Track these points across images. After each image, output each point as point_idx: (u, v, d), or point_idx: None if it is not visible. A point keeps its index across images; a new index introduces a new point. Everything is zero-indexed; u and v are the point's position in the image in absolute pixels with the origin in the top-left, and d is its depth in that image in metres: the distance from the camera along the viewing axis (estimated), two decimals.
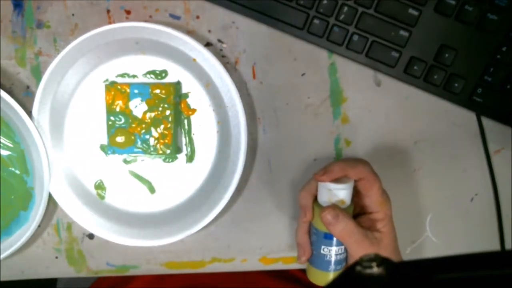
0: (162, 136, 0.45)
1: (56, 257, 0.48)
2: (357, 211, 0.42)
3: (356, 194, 0.41)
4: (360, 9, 0.42)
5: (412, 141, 0.46)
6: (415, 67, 0.43)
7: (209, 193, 0.45)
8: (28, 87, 0.46)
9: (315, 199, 0.42)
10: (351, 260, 0.41)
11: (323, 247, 0.41)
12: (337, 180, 0.40)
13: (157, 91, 0.44)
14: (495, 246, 0.46)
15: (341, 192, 0.40)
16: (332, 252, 0.41)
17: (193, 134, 0.46)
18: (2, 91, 0.43)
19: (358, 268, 0.19)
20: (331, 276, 0.41)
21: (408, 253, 0.47)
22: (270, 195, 0.47)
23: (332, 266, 0.41)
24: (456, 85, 0.43)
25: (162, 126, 0.45)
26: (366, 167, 0.40)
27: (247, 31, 0.45)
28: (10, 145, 0.47)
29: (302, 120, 0.46)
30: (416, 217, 0.47)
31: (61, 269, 0.49)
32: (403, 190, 0.46)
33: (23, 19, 0.45)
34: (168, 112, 0.45)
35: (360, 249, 0.39)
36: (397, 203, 0.47)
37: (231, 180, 0.44)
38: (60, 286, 0.72)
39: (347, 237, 0.39)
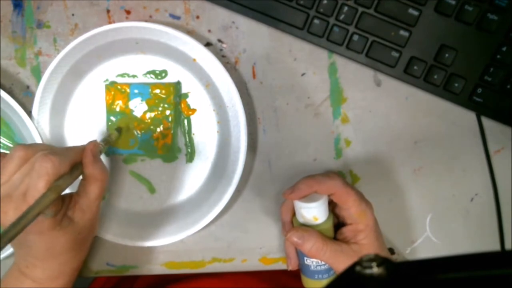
0: (162, 136, 0.45)
1: None
2: (341, 220, 0.42)
3: (336, 205, 0.41)
4: (360, 9, 0.42)
5: (412, 141, 0.46)
6: (415, 67, 0.43)
7: (209, 193, 0.45)
8: (28, 87, 0.46)
9: (294, 214, 0.42)
10: (337, 271, 0.41)
11: (305, 258, 0.41)
12: (309, 197, 0.40)
13: (157, 91, 0.44)
14: (495, 246, 0.46)
15: (311, 210, 0.40)
16: (314, 263, 0.41)
17: (193, 134, 0.46)
18: (2, 91, 0.43)
19: (358, 268, 0.19)
20: (320, 283, 0.42)
21: (408, 253, 0.47)
22: (270, 195, 0.47)
23: (319, 275, 0.41)
24: (456, 85, 0.43)
25: (162, 126, 0.45)
26: (336, 181, 0.39)
27: (247, 31, 0.45)
28: (10, 145, 0.47)
29: (302, 120, 0.46)
30: (416, 217, 0.47)
31: None
32: (403, 190, 0.46)
33: (23, 19, 0.45)
34: (168, 112, 0.45)
35: (336, 263, 0.39)
36: (397, 203, 0.47)
37: (231, 180, 0.44)
38: None
39: (317, 254, 0.39)
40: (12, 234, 0.30)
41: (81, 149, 0.39)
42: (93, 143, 0.39)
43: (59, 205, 0.37)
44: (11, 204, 0.35)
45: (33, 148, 0.37)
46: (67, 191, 0.37)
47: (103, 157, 0.46)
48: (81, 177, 0.39)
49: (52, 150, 0.37)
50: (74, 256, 0.41)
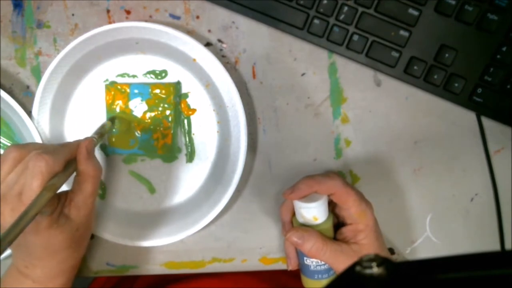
0: (162, 136, 0.45)
1: None
2: (341, 220, 0.42)
3: (336, 205, 0.41)
4: (360, 9, 0.42)
5: (412, 141, 0.46)
6: (415, 67, 0.43)
7: (209, 193, 0.45)
8: (28, 87, 0.46)
9: (294, 214, 0.42)
10: (337, 271, 0.41)
11: (305, 258, 0.41)
12: (309, 197, 0.40)
13: (157, 91, 0.44)
14: (495, 246, 0.46)
15: (310, 210, 0.40)
16: (314, 263, 0.41)
17: (193, 134, 0.46)
18: (2, 91, 0.43)
19: (358, 268, 0.19)
20: (320, 283, 0.42)
21: (408, 253, 0.47)
22: (270, 195, 0.47)
23: (319, 275, 0.41)
24: (456, 85, 0.43)
25: (162, 126, 0.45)
26: (336, 181, 0.40)
27: (247, 31, 0.45)
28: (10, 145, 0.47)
29: (302, 120, 0.46)
30: (416, 217, 0.47)
31: None
32: (403, 190, 0.46)
33: (23, 19, 0.45)
34: (168, 112, 0.45)
35: (336, 263, 0.39)
36: (397, 203, 0.47)
37: (231, 180, 0.44)
38: None
39: (317, 254, 0.39)
40: (12, 237, 0.30)
41: (75, 145, 0.39)
42: (88, 140, 0.39)
43: (55, 203, 0.37)
44: (7, 205, 0.35)
45: (27, 147, 0.37)
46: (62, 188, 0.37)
47: (102, 156, 0.46)
48: (75, 173, 0.39)
49: (46, 148, 0.37)
50: (72, 254, 0.41)
